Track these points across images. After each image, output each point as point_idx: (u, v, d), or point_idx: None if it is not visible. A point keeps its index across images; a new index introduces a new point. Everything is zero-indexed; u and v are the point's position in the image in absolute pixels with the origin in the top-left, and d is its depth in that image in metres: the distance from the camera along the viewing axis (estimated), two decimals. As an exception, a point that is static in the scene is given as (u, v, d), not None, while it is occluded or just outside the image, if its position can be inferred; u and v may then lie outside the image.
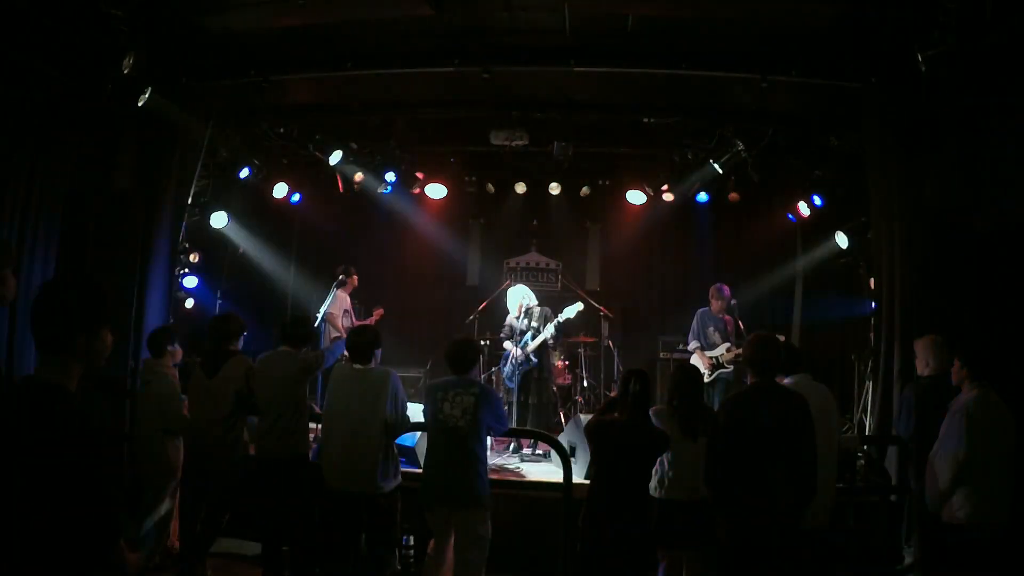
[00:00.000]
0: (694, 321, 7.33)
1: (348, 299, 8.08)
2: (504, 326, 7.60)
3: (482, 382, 4.37)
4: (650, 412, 3.97)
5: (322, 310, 7.42)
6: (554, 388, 8.25)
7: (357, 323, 7.65)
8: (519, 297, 7.30)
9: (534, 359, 7.04)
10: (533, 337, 7.05)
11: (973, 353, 4.05)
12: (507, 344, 7.45)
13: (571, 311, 7.11)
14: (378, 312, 8.03)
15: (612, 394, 4.36)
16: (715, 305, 7.27)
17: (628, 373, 3.99)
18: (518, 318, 7.24)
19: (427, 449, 4.30)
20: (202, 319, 7.38)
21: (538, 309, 7.23)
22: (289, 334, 4.79)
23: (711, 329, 7.20)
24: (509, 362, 7.25)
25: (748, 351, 3.65)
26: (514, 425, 6.55)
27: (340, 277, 7.80)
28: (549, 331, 7.01)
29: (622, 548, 3.75)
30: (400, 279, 9.98)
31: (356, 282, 8.13)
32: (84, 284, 2.06)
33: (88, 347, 1.99)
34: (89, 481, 1.87)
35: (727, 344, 7.05)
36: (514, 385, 7.09)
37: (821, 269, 8.90)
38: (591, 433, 3.91)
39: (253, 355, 4.88)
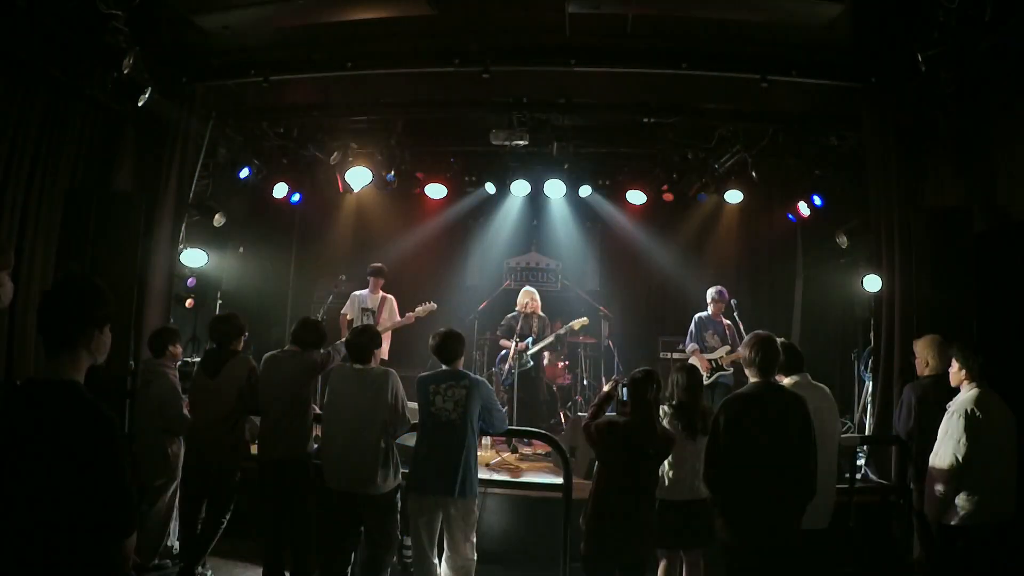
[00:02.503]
0: (691, 326, 7.21)
1: (370, 298, 7.80)
2: (501, 324, 7.65)
3: (472, 374, 4.34)
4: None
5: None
6: (554, 388, 8.30)
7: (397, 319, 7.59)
8: (530, 299, 7.61)
9: (531, 361, 7.46)
10: (535, 342, 7.47)
11: (970, 353, 4.05)
12: (504, 342, 7.50)
13: (576, 323, 7.65)
14: (428, 305, 7.48)
15: (605, 390, 4.28)
16: (714, 309, 7.16)
17: (644, 376, 3.85)
18: (519, 316, 7.42)
19: (418, 440, 4.29)
20: (202, 319, 7.38)
21: (541, 315, 7.67)
22: (299, 335, 4.75)
23: (709, 333, 7.10)
24: (508, 361, 7.31)
25: (748, 351, 3.63)
26: (513, 424, 6.59)
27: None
28: (552, 338, 7.55)
29: (628, 549, 3.73)
30: (400, 279, 9.96)
31: (374, 284, 7.78)
32: (89, 281, 2.14)
33: (98, 341, 2.07)
34: (112, 475, 1.90)
35: (726, 347, 6.98)
36: (511, 384, 7.27)
37: (821, 269, 8.90)
38: (600, 433, 3.84)
39: (256, 355, 4.87)
